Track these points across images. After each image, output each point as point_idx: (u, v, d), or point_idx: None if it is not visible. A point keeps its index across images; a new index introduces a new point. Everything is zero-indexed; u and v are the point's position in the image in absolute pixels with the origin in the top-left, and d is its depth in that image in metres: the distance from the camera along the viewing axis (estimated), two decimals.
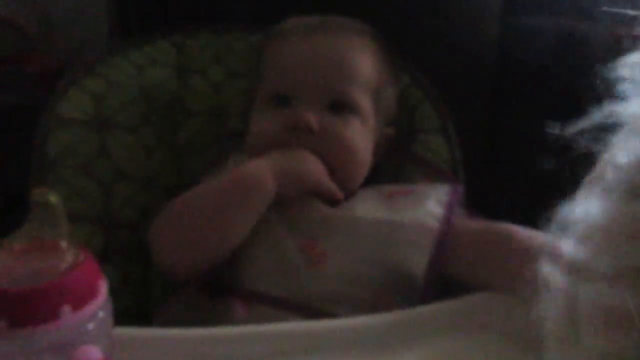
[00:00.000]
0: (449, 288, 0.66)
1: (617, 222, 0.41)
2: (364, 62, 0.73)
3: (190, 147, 0.81)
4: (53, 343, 0.38)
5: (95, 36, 1.06)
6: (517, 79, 0.88)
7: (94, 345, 0.40)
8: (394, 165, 0.81)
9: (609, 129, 0.45)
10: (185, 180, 0.77)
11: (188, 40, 0.83)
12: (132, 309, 0.72)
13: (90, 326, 0.41)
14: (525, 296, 0.59)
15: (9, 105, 1.01)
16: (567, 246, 0.45)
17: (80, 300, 0.40)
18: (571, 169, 0.52)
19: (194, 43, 0.83)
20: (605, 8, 0.84)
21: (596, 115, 0.45)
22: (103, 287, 0.42)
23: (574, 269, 0.44)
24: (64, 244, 0.41)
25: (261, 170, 0.66)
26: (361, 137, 0.73)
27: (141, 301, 0.74)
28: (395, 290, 0.65)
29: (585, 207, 0.44)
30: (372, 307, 0.62)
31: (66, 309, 0.39)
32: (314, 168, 0.69)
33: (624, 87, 0.46)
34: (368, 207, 0.70)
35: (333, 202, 0.70)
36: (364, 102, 0.73)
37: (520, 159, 0.87)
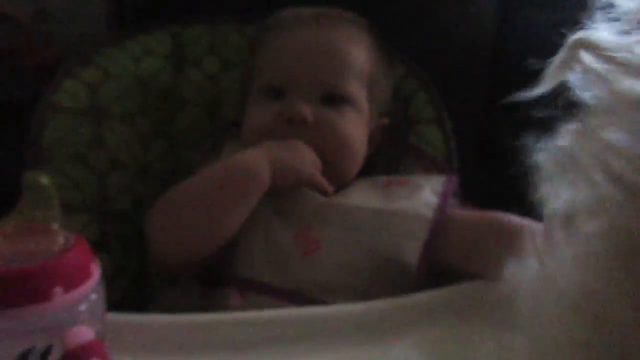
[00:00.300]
0: (442, 277, 0.66)
1: None
2: (358, 53, 0.74)
3: (185, 138, 0.81)
4: (45, 324, 0.39)
5: (93, 29, 1.06)
6: (513, 71, 0.88)
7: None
8: (390, 156, 0.81)
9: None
10: (180, 170, 0.77)
11: (184, 32, 0.83)
12: (127, 299, 0.72)
13: (83, 308, 0.41)
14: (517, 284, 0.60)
15: (6, 99, 1.01)
16: None
17: (72, 282, 0.40)
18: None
19: (190, 34, 0.83)
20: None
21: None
22: (96, 270, 0.42)
23: None
24: (56, 226, 0.41)
25: (257, 161, 0.66)
26: (356, 128, 0.73)
27: (136, 291, 0.74)
28: (389, 279, 0.66)
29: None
30: (366, 296, 0.62)
31: (58, 290, 0.39)
32: (308, 161, 0.69)
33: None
34: (363, 196, 0.71)
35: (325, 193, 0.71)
36: (359, 93, 0.73)
37: (514, 150, 0.87)
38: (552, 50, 0.84)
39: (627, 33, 0.44)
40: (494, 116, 0.88)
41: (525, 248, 0.61)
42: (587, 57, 0.45)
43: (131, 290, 0.73)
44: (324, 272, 0.65)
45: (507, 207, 0.66)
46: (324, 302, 0.63)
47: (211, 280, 0.66)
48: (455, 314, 0.59)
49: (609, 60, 0.43)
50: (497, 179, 0.87)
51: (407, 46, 0.84)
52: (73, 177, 0.72)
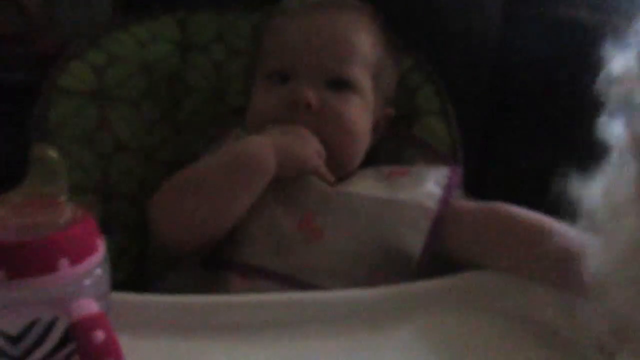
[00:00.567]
0: (445, 268, 0.66)
1: None
2: (364, 40, 0.74)
3: (190, 123, 0.81)
4: (51, 295, 0.39)
5: (99, 15, 1.06)
6: (518, 65, 0.89)
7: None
8: (394, 146, 0.81)
9: None
10: (185, 155, 0.77)
11: (190, 17, 0.83)
12: (129, 281, 0.72)
13: (87, 282, 0.41)
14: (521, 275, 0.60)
15: (12, 84, 1.01)
16: None
17: (78, 255, 0.40)
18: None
19: (196, 20, 0.83)
20: None
21: None
22: (101, 245, 0.42)
23: None
24: (63, 199, 0.41)
25: (263, 149, 0.67)
26: (360, 115, 0.73)
27: (139, 274, 0.74)
28: (390, 268, 0.66)
29: None
30: (367, 284, 0.62)
31: (64, 262, 0.39)
32: (311, 150, 0.69)
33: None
34: (366, 185, 0.71)
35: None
36: (364, 80, 0.73)
37: (519, 142, 0.87)
38: (556, 44, 0.85)
39: None
40: (499, 108, 0.89)
41: (526, 240, 0.62)
42: None
43: (133, 272, 0.73)
44: (326, 260, 0.65)
45: (510, 199, 0.67)
46: (325, 289, 0.63)
47: (213, 264, 0.66)
48: (456, 303, 0.60)
49: None
50: (500, 171, 0.87)
51: (412, 38, 0.84)
52: (77, 158, 0.72)
